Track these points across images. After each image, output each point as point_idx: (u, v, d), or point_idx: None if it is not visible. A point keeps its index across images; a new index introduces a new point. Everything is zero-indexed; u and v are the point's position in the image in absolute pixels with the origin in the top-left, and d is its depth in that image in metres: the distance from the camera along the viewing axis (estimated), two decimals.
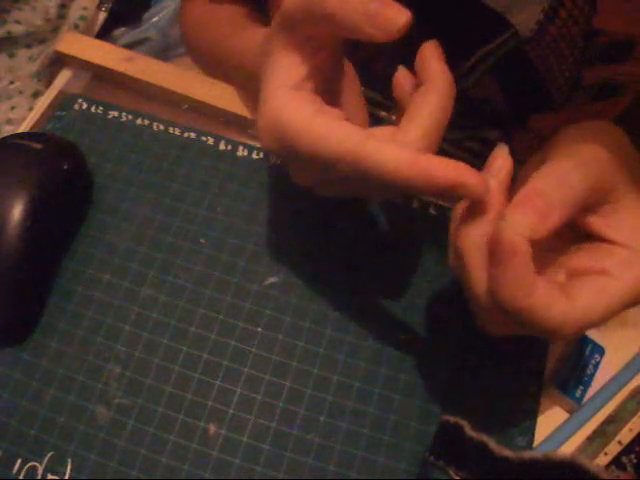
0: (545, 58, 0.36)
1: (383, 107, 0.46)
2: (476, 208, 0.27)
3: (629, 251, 0.27)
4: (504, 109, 0.41)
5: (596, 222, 0.27)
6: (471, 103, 0.42)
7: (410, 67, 0.42)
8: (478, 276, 0.26)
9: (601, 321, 0.26)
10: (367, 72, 0.45)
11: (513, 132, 0.44)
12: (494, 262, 0.25)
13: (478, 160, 0.46)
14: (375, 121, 0.47)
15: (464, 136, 0.45)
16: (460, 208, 0.29)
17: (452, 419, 0.29)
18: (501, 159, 0.28)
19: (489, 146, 0.45)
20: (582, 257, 0.28)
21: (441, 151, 0.45)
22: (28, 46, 0.73)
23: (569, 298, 0.25)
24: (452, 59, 0.39)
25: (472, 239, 0.27)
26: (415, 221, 0.39)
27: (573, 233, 0.28)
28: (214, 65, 0.46)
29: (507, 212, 0.25)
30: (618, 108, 0.38)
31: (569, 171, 0.26)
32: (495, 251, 0.25)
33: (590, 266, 0.27)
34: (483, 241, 0.26)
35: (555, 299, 0.25)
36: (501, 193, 0.27)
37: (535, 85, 0.38)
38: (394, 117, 0.46)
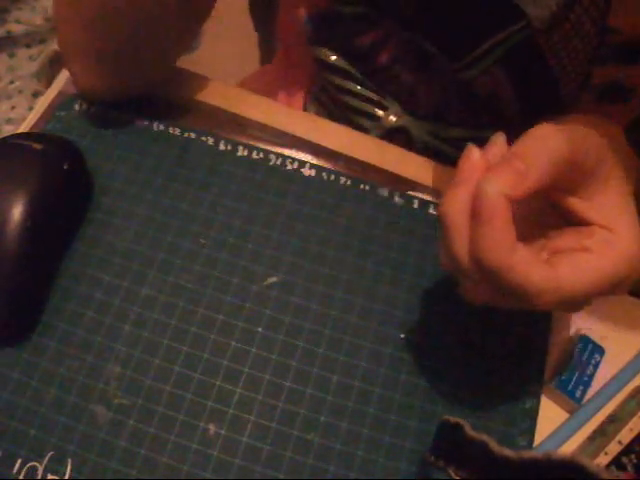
0: (557, 53, 0.36)
1: (380, 106, 0.46)
2: (459, 177, 0.27)
3: (610, 232, 0.27)
4: (511, 107, 0.41)
5: (578, 204, 0.28)
6: (478, 98, 0.42)
7: (415, 56, 0.42)
8: (459, 239, 0.27)
9: (583, 295, 0.26)
10: (371, 62, 0.45)
11: (513, 135, 0.44)
12: (475, 221, 0.26)
13: None
14: (370, 119, 0.47)
15: (465, 134, 0.45)
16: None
17: (452, 419, 0.29)
18: (497, 146, 0.28)
19: None
20: (564, 238, 0.28)
21: (440, 152, 0.46)
22: (28, 46, 0.72)
23: (550, 266, 0.26)
24: (461, 46, 0.39)
25: (456, 205, 0.27)
26: (415, 221, 0.39)
27: (555, 218, 0.29)
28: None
29: (489, 172, 0.26)
30: (627, 115, 0.38)
31: (549, 135, 0.26)
32: (476, 210, 0.26)
33: (571, 245, 0.27)
34: (464, 206, 0.27)
35: (536, 263, 0.26)
36: (484, 164, 0.27)
37: (545, 81, 0.38)
38: (390, 117, 0.46)
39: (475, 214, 0.26)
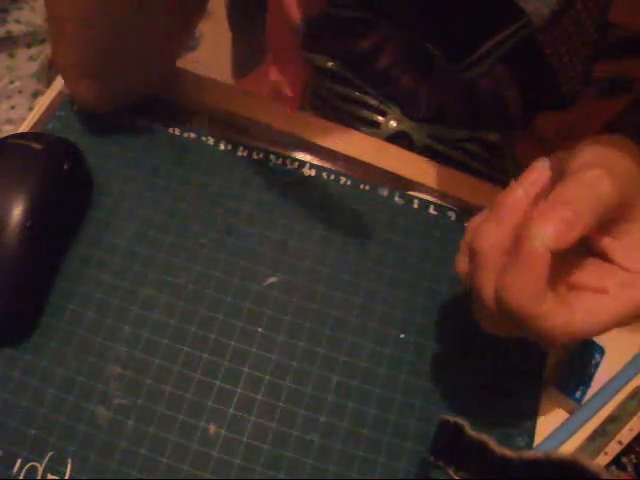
0: (557, 49, 0.36)
1: (379, 112, 0.46)
2: (500, 212, 0.27)
3: (629, 274, 0.27)
4: (514, 105, 0.41)
5: (608, 243, 0.27)
6: (481, 99, 0.42)
7: (415, 59, 0.42)
8: (488, 277, 0.27)
9: (594, 335, 0.26)
10: (370, 66, 0.45)
11: (515, 135, 0.44)
12: (512, 265, 0.25)
13: (475, 162, 0.46)
14: (370, 125, 0.47)
15: (466, 136, 0.45)
16: (479, 217, 0.29)
17: (452, 419, 0.29)
18: (537, 172, 0.28)
19: (488, 148, 0.45)
20: (583, 274, 0.28)
21: (438, 152, 0.46)
22: (28, 46, 0.73)
23: (569, 309, 0.26)
24: (462, 47, 0.39)
25: (491, 240, 0.27)
26: (415, 221, 0.39)
27: (576, 246, 0.29)
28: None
29: (535, 219, 0.25)
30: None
31: (599, 180, 0.25)
32: (517, 256, 0.25)
33: (590, 284, 0.27)
34: (501, 244, 0.26)
35: (559, 311, 0.25)
36: (528, 202, 0.27)
37: (546, 77, 0.38)
38: (391, 122, 0.46)
39: (514, 259, 0.25)
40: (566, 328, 0.25)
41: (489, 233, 0.27)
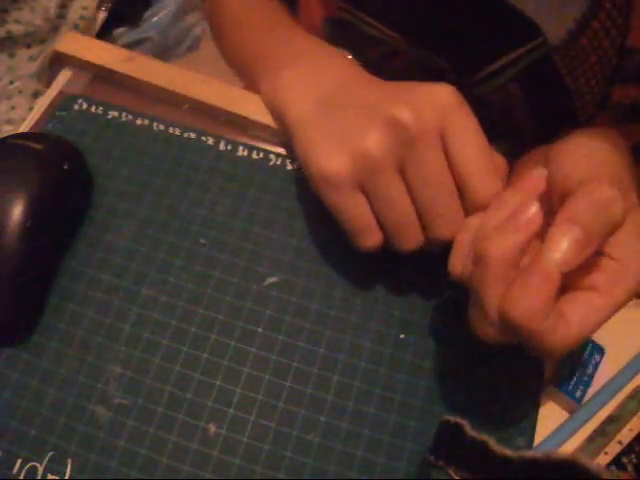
0: (573, 70, 0.35)
1: None
2: (514, 222, 0.27)
3: (619, 265, 0.27)
4: (526, 123, 0.41)
5: None
6: (492, 114, 0.41)
7: (425, 68, 0.41)
8: (494, 288, 0.27)
9: (591, 334, 0.27)
10: (379, 73, 0.45)
11: (525, 150, 0.44)
12: (523, 284, 0.25)
13: None
14: None
15: None
16: (476, 218, 0.29)
17: (452, 419, 0.30)
18: (539, 180, 0.28)
19: None
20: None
21: None
22: (28, 46, 0.73)
23: (565, 321, 0.26)
24: (474, 63, 0.39)
25: (503, 251, 0.26)
26: None
27: None
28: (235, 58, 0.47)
29: (548, 239, 0.25)
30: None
31: (612, 202, 0.25)
32: (529, 275, 0.25)
33: (580, 279, 0.27)
34: (513, 256, 0.26)
35: (557, 326, 0.26)
36: (541, 215, 0.27)
37: (561, 99, 0.37)
38: None
39: (526, 276, 0.25)
40: (564, 342, 0.26)
41: (502, 242, 0.27)
